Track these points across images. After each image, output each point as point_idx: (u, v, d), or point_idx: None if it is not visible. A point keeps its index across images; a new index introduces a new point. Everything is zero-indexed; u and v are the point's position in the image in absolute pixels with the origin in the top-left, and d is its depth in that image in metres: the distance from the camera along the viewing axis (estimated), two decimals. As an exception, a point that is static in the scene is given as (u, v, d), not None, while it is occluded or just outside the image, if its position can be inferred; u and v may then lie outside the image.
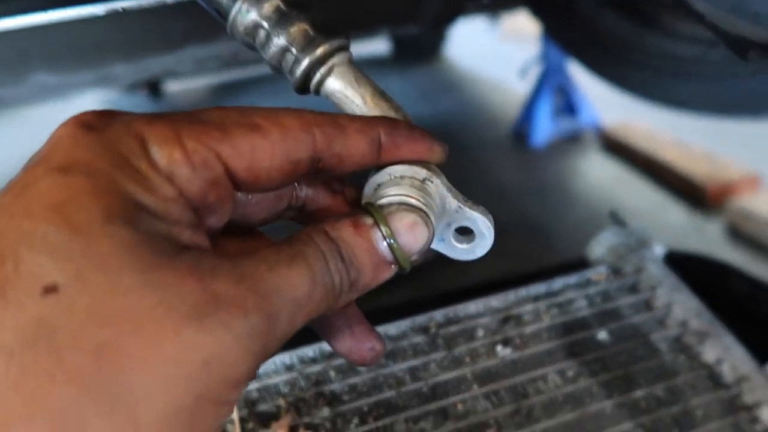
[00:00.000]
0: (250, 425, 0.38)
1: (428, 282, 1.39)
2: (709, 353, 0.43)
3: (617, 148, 2.00)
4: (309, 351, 0.43)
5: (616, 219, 0.55)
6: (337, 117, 0.22)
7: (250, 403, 0.39)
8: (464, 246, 0.25)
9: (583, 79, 2.22)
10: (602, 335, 0.44)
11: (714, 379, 0.42)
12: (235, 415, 0.38)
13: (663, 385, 0.41)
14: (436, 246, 0.25)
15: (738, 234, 1.35)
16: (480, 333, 0.44)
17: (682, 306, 0.46)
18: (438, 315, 0.46)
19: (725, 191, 1.45)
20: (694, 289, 0.49)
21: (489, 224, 0.25)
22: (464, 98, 2.99)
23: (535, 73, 2.23)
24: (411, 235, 0.21)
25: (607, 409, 0.39)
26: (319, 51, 0.24)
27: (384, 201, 0.23)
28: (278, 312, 0.18)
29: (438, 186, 0.24)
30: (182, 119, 0.19)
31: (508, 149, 2.25)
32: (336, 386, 0.40)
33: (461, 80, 3.30)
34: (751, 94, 1.06)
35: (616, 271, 0.50)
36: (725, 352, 0.43)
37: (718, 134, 1.91)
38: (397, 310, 0.46)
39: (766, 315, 0.62)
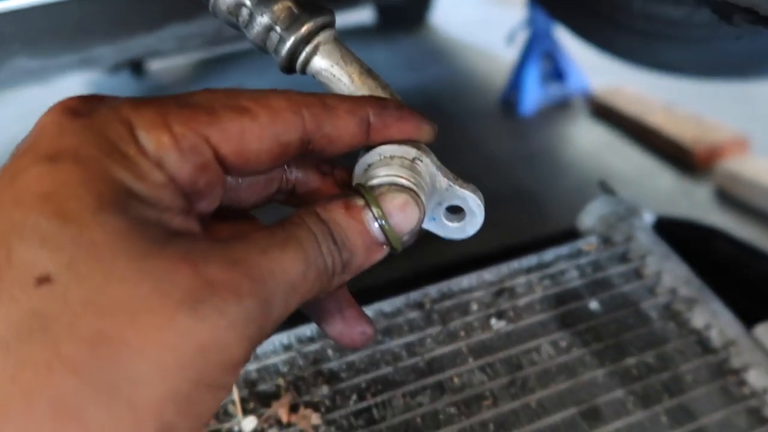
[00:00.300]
0: (251, 405, 0.38)
1: (420, 256, 1.40)
2: (698, 319, 0.44)
3: (606, 113, 2.00)
4: (306, 330, 0.43)
5: (606, 188, 0.55)
6: (325, 98, 0.22)
7: (250, 384, 0.40)
8: (455, 225, 0.25)
9: (570, 44, 2.20)
10: (594, 305, 0.45)
11: (702, 344, 0.43)
12: (235, 396, 0.39)
13: (653, 353, 0.42)
14: (427, 225, 0.25)
15: (726, 197, 1.37)
16: (474, 307, 0.45)
17: (672, 274, 0.47)
18: (432, 290, 0.46)
19: (713, 154, 1.46)
20: (682, 255, 0.49)
21: (479, 202, 0.25)
22: (451, 66, 2.96)
23: (522, 39, 2.21)
24: (402, 216, 0.21)
25: (599, 377, 0.40)
26: (304, 29, 0.24)
27: (375, 182, 0.23)
28: (272, 296, 0.18)
29: (428, 165, 0.24)
30: (169, 103, 0.19)
31: (496, 117, 2.24)
32: (334, 364, 0.41)
33: (448, 48, 3.27)
34: (737, 55, 1.06)
35: (606, 241, 0.50)
36: (713, 318, 0.44)
37: (707, 97, 1.91)
38: (391, 287, 0.46)
39: (754, 278, 0.63)
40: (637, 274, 0.48)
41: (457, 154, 1.92)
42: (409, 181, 0.23)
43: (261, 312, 0.17)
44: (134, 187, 0.17)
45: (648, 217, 0.53)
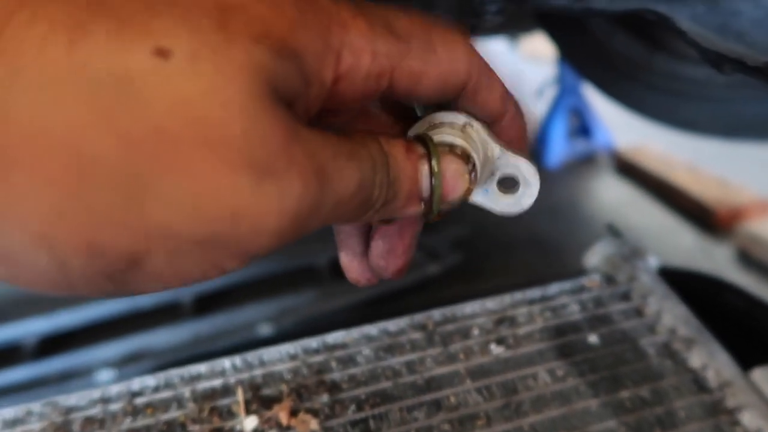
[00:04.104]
0: (254, 407, 0.40)
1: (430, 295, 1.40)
2: (695, 359, 0.45)
3: (630, 170, 2.01)
4: (312, 342, 0.45)
5: (613, 230, 0.57)
6: (483, 61, 0.21)
7: (254, 387, 0.42)
8: (509, 197, 0.24)
9: (597, 101, 2.24)
10: (593, 339, 0.46)
11: (698, 383, 0.43)
12: (240, 397, 0.41)
13: (648, 387, 0.43)
14: (479, 198, 0.24)
15: (747, 258, 1.36)
16: (475, 332, 0.47)
17: (672, 314, 0.48)
18: (436, 314, 0.48)
19: (735, 215, 1.46)
20: (687, 303, 0.50)
21: (534, 170, 0.23)
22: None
23: (551, 94, 2.26)
24: (454, 182, 0.21)
25: (592, 407, 0.41)
26: None
27: (438, 138, 0.22)
28: (323, 202, 0.17)
29: (479, 132, 0.23)
30: (378, 22, 0.19)
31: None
32: (336, 375, 0.43)
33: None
34: (757, 116, 1.08)
35: (609, 280, 0.52)
36: (711, 359, 0.45)
37: (731, 159, 1.91)
38: (397, 312, 0.49)
39: (761, 329, 0.63)
40: (638, 312, 0.49)
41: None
42: (470, 149, 0.22)
43: (308, 210, 0.16)
44: (307, 69, 0.17)
45: (652, 261, 0.54)
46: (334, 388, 0.42)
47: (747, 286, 1.35)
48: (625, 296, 0.50)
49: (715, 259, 1.41)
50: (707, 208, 1.53)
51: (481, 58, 0.21)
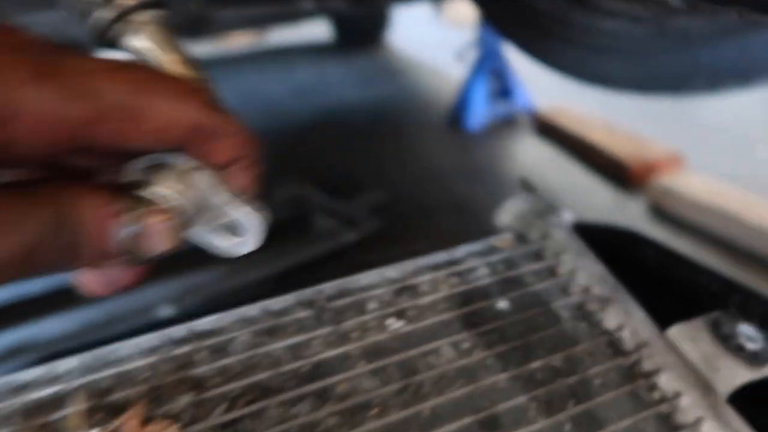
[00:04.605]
0: (98, 417, 0.33)
1: (347, 264, 1.34)
2: (611, 320, 0.41)
3: (549, 130, 2.01)
4: (178, 331, 0.38)
5: (527, 186, 0.52)
6: (212, 115, 0.21)
7: (100, 393, 0.34)
8: (230, 242, 0.24)
9: (518, 63, 2.23)
10: (502, 304, 0.42)
11: (614, 346, 0.40)
12: (78, 407, 0.33)
13: (561, 355, 0.38)
14: (200, 239, 0.24)
15: (660, 211, 1.38)
16: (372, 306, 0.41)
17: (586, 272, 0.44)
18: (328, 287, 0.42)
19: (648, 170, 1.48)
20: (601, 257, 0.47)
21: (257, 220, 0.24)
22: (403, 84, 2.97)
23: (471, 57, 2.23)
24: (157, 237, 0.20)
25: (500, 382, 0.36)
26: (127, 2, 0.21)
27: (147, 190, 0.21)
28: None
29: (204, 177, 0.22)
30: (68, 84, 0.18)
31: (444, 133, 2.23)
32: (204, 369, 0.36)
33: (401, 66, 3.28)
34: (672, 71, 1.07)
35: (521, 238, 0.47)
36: (627, 318, 0.41)
37: (644, 116, 1.95)
38: (283, 286, 0.42)
39: (673, 281, 0.61)
40: (551, 272, 0.44)
41: (402, 164, 1.90)
42: (180, 198, 0.21)
43: None
44: None
45: (566, 216, 0.50)
46: (199, 385, 0.35)
47: (660, 239, 1.37)
48: (538, 255, 0.46)
49: (629, 214, 1.43)
50: (621, 164, 1.54)
51: (209, 112, 0.21)
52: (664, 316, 0.44)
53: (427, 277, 0.43)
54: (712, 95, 1.04)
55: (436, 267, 0.44)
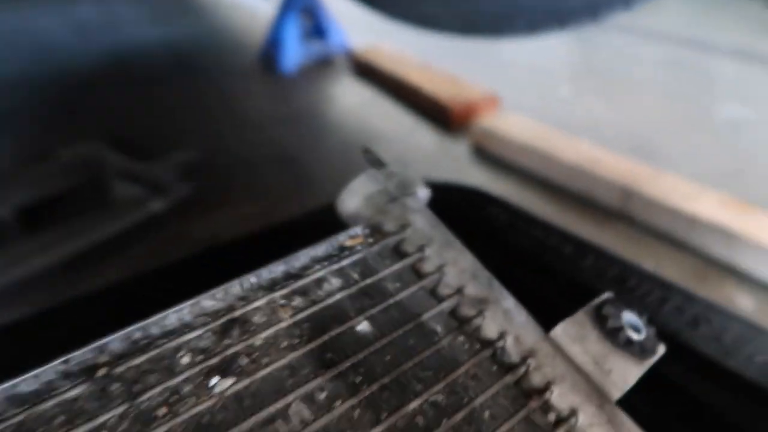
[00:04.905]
0: None
1: (158, 237, 1.16)
2: (490, 327, 0.34)
3: (367, 71, 1.94)
4: None
5: (372, 158, 0.43)
6: None
7: None
8: None
9: (330, 0, 2.09)
10: (363, 327, 0.32)
11: (498, 360, 0.33)
12: None
13: (442, 386, 0.30)
14: None
15: (481, 153, 1.40)
16: (184, 360, 0.28)
17: (456, 267, 0.36)
18: (115, 343, 0.28)
19: (469, 112, 1.49)
20: (452, 221, 0.40)
21: None
22: (206, 22, 2.67)
23: (278, -10, 2.03)
24: None
25: (375, 443, 0.27)
26: None
27: None
28: None
29: None
30: None
31: (255, 76, 2.05)
32: None
33: (202, 1, 2.95)
34: (494, 13, 1.04)
35: (374, 230, 0.38)
36: (507, 322, 0.34)
37: (453, 53, 1.96)
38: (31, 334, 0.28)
39: (523, 242, 0.57)
40: (416, 272, 0.36)
41: (212, 115, 1.69)
42: None
43: None
44: None
45: (422, 194, 0.41)
46: None
47: (482, 181, 1.37)
48: (398, 252, 0.37)
49: (454, 156, 1.43)
50: (443, 106, 1.53)
51: None
52: (515, 279, 0.38)
53: (260, 301, 0.32)
54: (531, 37, 1.03)
55: (271, 285, 0.33)
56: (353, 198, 0.39)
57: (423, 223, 0.38)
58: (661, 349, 0.35)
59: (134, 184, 1.24)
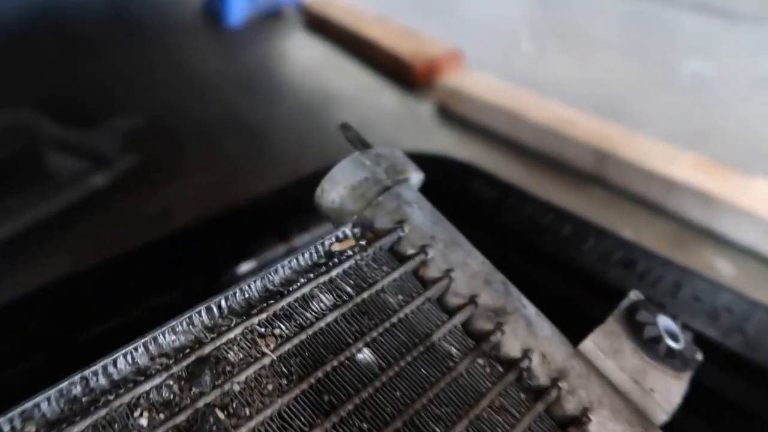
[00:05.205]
0: None
1: (102, 215, 1.06)
2: (512, 343, 0.29)
3: (320, 25, 1.83)
4: None
5: (353, 138, 0.36)
6: None
7: None
8: None
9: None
10: (364, 355, 0.26)
11: (524, 384, 0.28)
12: None
13: (465, 425, 0.25)
14: None
15: (446, 113, 1.34)
16: (142, 422, 0.22)
17: (465, 271, 0.30)
18: (46, 405, 0.21)
19: (431, 69, 1.41)
20: (438, 199, 0.34)
21: None
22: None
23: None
24: None
25: None
26: None
27: None
28: None
29: None
30: None
31: (200, 31, 1.90)
32: None
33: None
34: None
35: (366, 229, 0.31)
36: (530, 337, 0.29)
37: (415, 10, 1.87)
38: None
39: (519, 227, 0.53)
40: (419, 280, 0.30)
41: (156, 75, 1.56)
42: None
43: None
44: None
45: (416, 179, 0.35)
46: None
47: (449, 143, 1.31)
48: (396, 255, 0.31)
49: (418, 117, 1.36)
50: (404, 62, 1.45)
51: None
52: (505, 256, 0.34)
53: (234, 331, 0.25)
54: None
55: (246, 308, 0.26)
56: (335, 189, 0.33)
57: (422, 218, 0.32)
58: (699, 357, 0.31)
59: (72, 155, 1.13)
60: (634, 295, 0.33)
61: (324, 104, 1.47)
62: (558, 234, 0.50)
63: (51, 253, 0.85)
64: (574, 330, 0.31)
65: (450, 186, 0.57)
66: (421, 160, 0.40)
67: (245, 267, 0.52)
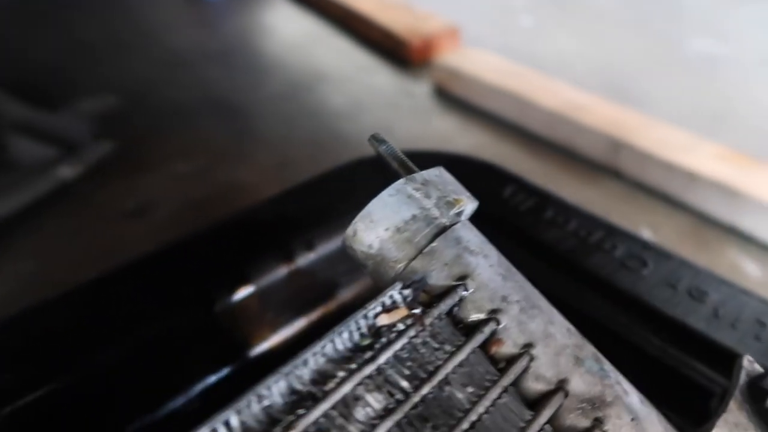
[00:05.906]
0: None
1: (73, 210, 0.96)
2: (619, 448, 0.21)
3: (308, -3, 1.71)
4: None
5: (391, 157, 0.28)
6: None
7: None
8: None
9: None
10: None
11: None
12: None
13: None
14: None
15: (444, 95, 1.25)
16: None
17: (548, 345, 0.23)
18: None
19: (428, 47, 1.32)
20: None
21: None
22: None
23: None
24: None
25: None
26: None
27: None
28: None
29: None
30: None
31: (178, 4, 1.78)
32: None
33: None
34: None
35: (419, 290, 0.24)
36: (642, 438, 0.22)
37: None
38: None
39: (554, 242, 0.46)
40: (491, 359, 0.23)
41: (131, 51, 1.44)
42: None
43: None
44: None
45: (470, 209, 0.27)
46: None
47: (450, 129, 1.22)
48: (459, 325, 0.23)
49: (414, 100, 1.28)
50: (399, 39, 1.36)
51: None
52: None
53: (252, 462, 0.18)
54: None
55: (267, 423, 0.19)
56: (374, 230, 0.25)
57: (490, 272, 0.24)
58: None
59: (38, 141, 1.02)
60: (747, 362, 0.26)
61: (312, 83, 1.37)
62: (610, 255, 0.43)
63: (12, 258, 0.76)
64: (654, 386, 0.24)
65: (476, 193, 0.49)
66: (440, 160, 0.32)
67: (242, 293, 0.44)
